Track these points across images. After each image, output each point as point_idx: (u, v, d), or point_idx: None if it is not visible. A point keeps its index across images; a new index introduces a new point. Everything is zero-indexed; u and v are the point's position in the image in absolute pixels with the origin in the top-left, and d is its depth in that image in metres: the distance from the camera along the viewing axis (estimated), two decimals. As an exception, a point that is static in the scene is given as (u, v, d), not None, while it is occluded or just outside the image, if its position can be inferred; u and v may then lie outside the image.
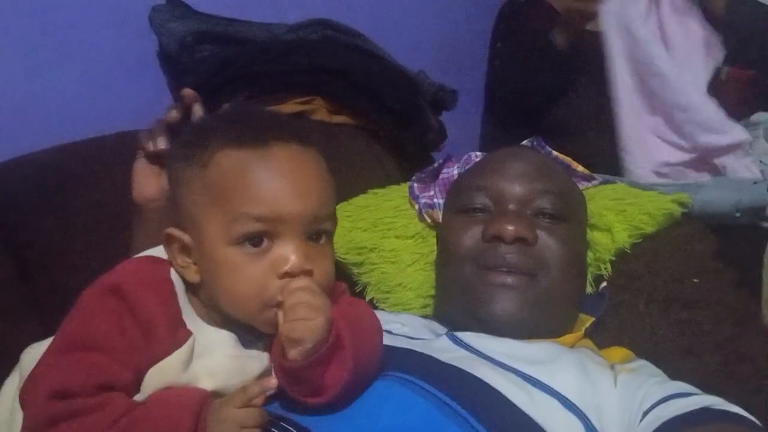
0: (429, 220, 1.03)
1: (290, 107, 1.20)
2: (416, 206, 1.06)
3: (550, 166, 0.91)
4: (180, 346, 0.58)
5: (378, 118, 1.25)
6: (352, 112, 1.25)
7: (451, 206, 0.92)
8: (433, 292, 0.96)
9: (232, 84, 1.16)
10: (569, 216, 0.85)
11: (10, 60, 1.10)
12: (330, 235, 0.64)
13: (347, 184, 1.15)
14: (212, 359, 0.60)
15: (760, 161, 1.38)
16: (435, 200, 1.04)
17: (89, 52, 1.16)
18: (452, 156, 1.09)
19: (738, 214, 0.93)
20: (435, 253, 0.96)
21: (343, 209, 1.10)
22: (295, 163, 0.61)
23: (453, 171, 1.06)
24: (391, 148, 1.28)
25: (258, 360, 0.62)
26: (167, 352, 0.58)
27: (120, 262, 0.63)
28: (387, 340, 0.68)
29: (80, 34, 1.15)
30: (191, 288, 0.62)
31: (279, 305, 0.58)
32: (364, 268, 1.05)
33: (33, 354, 0.62)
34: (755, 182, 0.97)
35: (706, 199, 0.95)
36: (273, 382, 0.57)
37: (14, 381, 0.64)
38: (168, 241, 0.62)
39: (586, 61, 1.46)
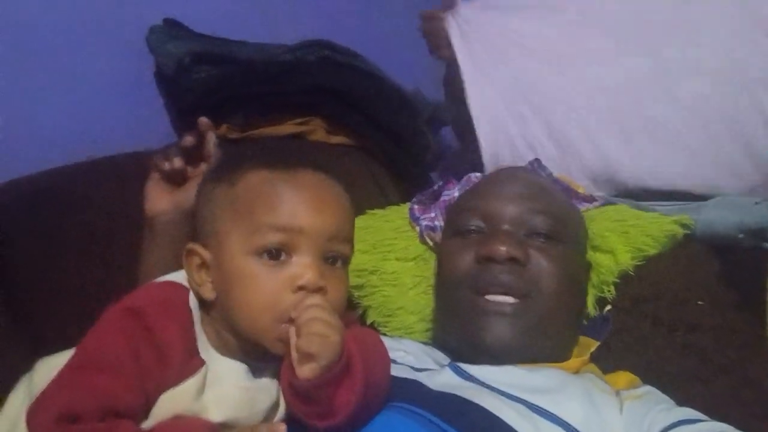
0: (430, 243, 1.03)
1: (288, 128, 1.20)
2: (417, 228, 1.05)
3: (545, 187, 0.91)
4: (193, 374, 0.58)
5: (376, 139, 1.24)
6: (349, 132, 1.24)
7: (448, 229, 0.92)
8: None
9: (230, 104, 1.16)
10: (564, 237, 0.84)
11: (7, 80, 1.09)
12: (346, 261, 0.65)
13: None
14: (223, 389, 0.60)
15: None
16: (436, 222, 1.04)
17: (86, 73, 1.16)
18: (452, 178, 1.09)
19: (741, 236, 0.93)
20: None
21: (342, 231, 1.10)
22: (319, 186, 0.64)
23: (454, 192, 1.06)
24: (388, 168, 1.27)
25: (267, 393, 0.63)
26: (180, 380, 0.58)
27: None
28: (392, 369, 0.67)
29: (77, 54, 1.15)
30: (205, 308, 0.63)
31: (291, 321, 0.59)
32: (364, 290, 1.03)
33: (46, 367, 0.62)
34: (757, 203, 0.96)
35: (708, 220, 0.95)
36: (282, 428, 0.57)
37: (18, 398, 0.63)
38: (188, 257, 0.63)
39: None
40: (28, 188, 0.97)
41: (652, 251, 0.91)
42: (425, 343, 0.90)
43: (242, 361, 0.62)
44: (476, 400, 0.68)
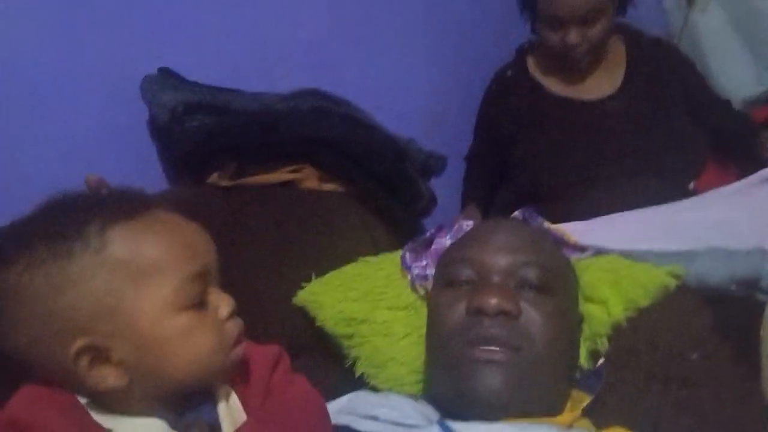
0: (421, 292, 1.02)
1: (280, 175, 1.20)
2: (408, 276, 1.04)
3: (536, 238, 0.90)
4: None
5: (368, 187, 1.24)
6: (342, 180, 1.24)
7: (438, 279, 0.91)
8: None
9: (222, 154, 1.17)
10: (556, 288, 0.84)
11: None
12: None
13: (336, 252, 1.15)
14: None
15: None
16: (428, 271, 1.03)
17: (78, 120, 1.16)
18: (444, 225, 1.09)
19: (733, 287, 0.92)
20: (426, 326, 0.94)
21: (333, 279, 1.09)
22: (181, 220, 0.62)
23: (445, 241, 1.05)
24: (380, 216, 1.27)
25: None
26: None
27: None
28: (372, 427, 0.66)
29: (69, 100, 1.15)
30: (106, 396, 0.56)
31: (239, 341, 0.61)
32: (354, 340, 1.02)
33: None
34: (748, 252, 0.96)
35: (700, 271, 0.94)
36: None
37: None
38: (76, 360, 0.54)
39: (572, 130, 1.48)
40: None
41: (645, 302, 0.90)
42: (415, 397, 0.88)
43: (160, 417, 0.58)
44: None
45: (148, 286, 0.55)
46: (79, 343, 0.54)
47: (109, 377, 0.55)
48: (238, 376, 0.64)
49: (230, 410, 0.62)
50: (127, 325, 0.55)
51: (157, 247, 0.57)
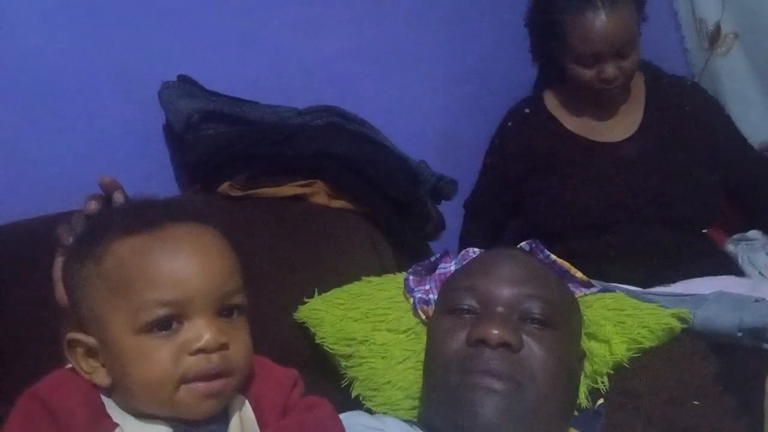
0: (423, 316, 1.01)
1: (290, 189, 1.20)
2: (411, 300, 1.04)
3: (541, 271, 0.89)
4: None
5: (377, 206, 1.24)
6: (351, 197, 1.24)
7: (440, 305, 0.90)
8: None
9: (234, 164, 1.17)
10: (559, 323, 0.83)
11: (16, 123, 1.11)
12: (243, 309, 0.62)
13: (341, 269, 1.14)
14: None
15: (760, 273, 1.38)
16: (430, 296, 1.02)
17: (96, 121, 1.18)
18: (450, 251, 1.08)
19: (740, 334, 0.91)
20: (425, 352, 0.93)
21: (336, 296, 1.08)
22: (193, 240, 0.60)
23: (450, 267, 1.05)
24: (388, 236, 1.27)
25: None
26: None
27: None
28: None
29: (89, 101, 1.17)
30: (106, 391, 0.60)
31: (198, 379, 0.57)
32: (352, 361, 1.01)
33: None
34: (757, 300, 0.95)
35: (706, 316, 0.93)
36: None
37: None
38: (70, 348, 0.60)
39: (588, 171, 1.46)
40: (15, 234, 0.96)
41: (649, 344, 0.89)
42: (410, 422, 0.87)
43: (168, 424, 0.59)
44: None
45: (117, 301, 0.58)
46: (71, 335, 0.59)
47: (98, 372, 0.59)
48: (256, 390, 0.63)
49: (243, 424, 0.61)
50: (104, 334, 0.58)
51: (135, 266, 0.58)
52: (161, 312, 0.57)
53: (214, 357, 0.58)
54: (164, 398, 0.58)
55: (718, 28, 1.80)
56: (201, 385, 0.58)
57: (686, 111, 1.47)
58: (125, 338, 0.57)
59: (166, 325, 0.57)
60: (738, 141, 1.52)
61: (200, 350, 0.57)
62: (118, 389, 0.59)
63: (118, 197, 0.68)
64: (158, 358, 0.57)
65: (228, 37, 1.31)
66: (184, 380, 0.57)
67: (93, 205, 0.68)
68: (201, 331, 0.58)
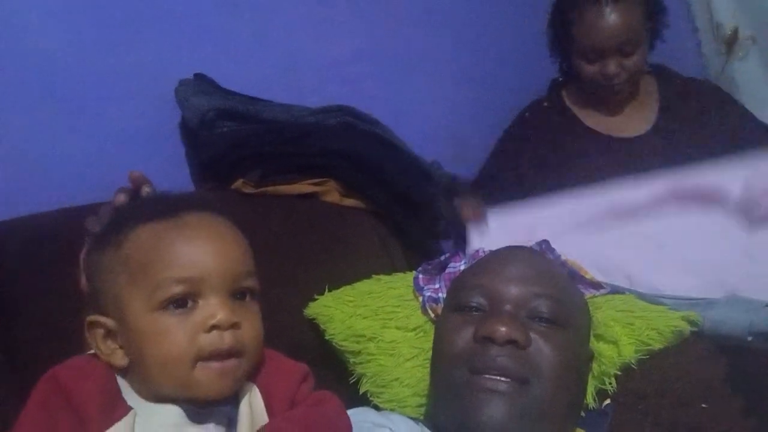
0: (432, 315, 1.01)
1: (302, 187, 1.21)
2: (420, 298, 1.04)
3: (551, 270, 0.89)
4: (119, 419, 0.58)
5: (388, 205, 1.25)
6: (363, 196, 1.25)
7: (448, 302, 0.91)
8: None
9: (247, 161, 1.18)
10: (567, 322, 0.82)
11: (33, 122, 1.12)
12: (255, 294, 0.65)
13: (353, 267, 1.15)
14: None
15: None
16: (439, 294, 1.03)
17: (111, 119, 1.19)
18: (460, 251, 1.09)
19: (750, 338, 0.90)
20: (433, 349, 0.94)
21: (346, 294, 1.09)
22: (208, 226, 0.63)
23: (459, 266, 1.05)
24: (398, 235, 1.28)
25: None
26: (105, 428, 0.57)
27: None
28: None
29: (104, 98, 1.18)
30: (124, 374, 0.63)
31: (213, 357, 0.59)
32: (361, 357, 1.02)
33: None
34: (767, 305, 0.94)
35: (717, 319, 0.93)
36: None
37: None
38: (90, 329, 0.62)
39: (604, 166, 1.46)
40: (32, 228, 0.97)
41: (657, 346, 0.89)
42: (417, 420, 0.88)
43: (179, 405, 0.61)
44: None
45: (136, 282, 0.60)
46: (90, 317, 0.62)
47: (116, 353, 0.62)
48: (266, 380, 0.64)
49: (252, 410, 0.63)
50: (122, 316, 0.61)
51: (154, 249, 0.61)
52: (177, 289, 0.60)
53: (227, 336, 0.60)
54: (180, 376, 0.59)
55: (735, 32, 1.79)
56: (215, 365, 0.60)
57: (704, 108, 1.47)
58: (143, 317, 0.60)
59: (182, 302, 0.60)
60: (761, 129, 1.50)
61: (214, 327, 0.60)
62: (135, 371, 0.61)
63: (146, 191, 0.72)
64: (174, 335, 0.59)
65: (241, 37, 1.33)
66: (199, 357, 0.59)
67: (122, 198, 0.71)
68: (215, 309, 0.60)
